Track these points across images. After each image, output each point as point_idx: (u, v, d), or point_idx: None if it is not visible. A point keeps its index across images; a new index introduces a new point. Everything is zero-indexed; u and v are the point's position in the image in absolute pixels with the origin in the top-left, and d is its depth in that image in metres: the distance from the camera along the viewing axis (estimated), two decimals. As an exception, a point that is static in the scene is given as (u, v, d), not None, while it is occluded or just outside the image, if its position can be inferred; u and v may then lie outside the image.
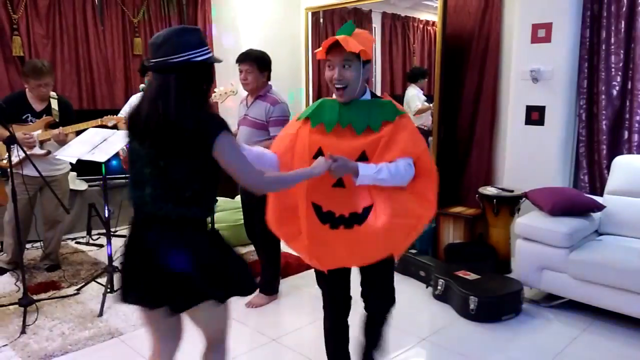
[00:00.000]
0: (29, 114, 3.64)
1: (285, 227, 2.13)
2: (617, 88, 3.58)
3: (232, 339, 2.97)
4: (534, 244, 3.26)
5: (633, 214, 3.30)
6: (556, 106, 3.69)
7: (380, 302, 2.26)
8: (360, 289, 2.24)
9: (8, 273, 3.82)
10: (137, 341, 2.90)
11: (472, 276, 3.37)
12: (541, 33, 3.66)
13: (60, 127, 3.55)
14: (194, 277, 1.68)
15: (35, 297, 3.26)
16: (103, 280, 3.49)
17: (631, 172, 3.36)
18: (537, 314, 3.23)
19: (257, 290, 3.44)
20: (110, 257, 3.46)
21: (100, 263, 4.08)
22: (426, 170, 2.03)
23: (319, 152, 1.97)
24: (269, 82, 3.28)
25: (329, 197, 1.97)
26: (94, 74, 5.08)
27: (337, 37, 1.89)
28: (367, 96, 2.04)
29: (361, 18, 5.67)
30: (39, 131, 3.60)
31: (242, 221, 4.45)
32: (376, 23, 5.67)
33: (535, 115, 3.78)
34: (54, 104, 3.70)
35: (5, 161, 3.59)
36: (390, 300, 2.28)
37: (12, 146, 3.03)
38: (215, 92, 3.74)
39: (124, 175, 4.63)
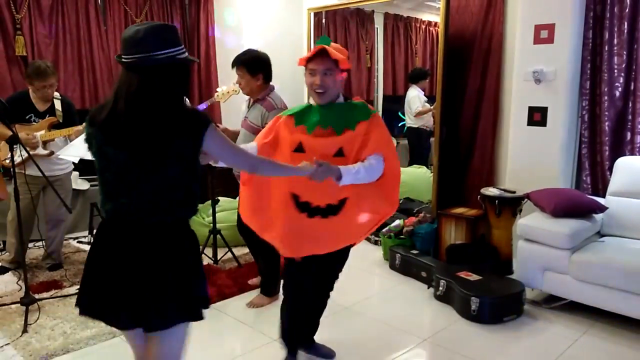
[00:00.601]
0: (32, 114, 3.65)
1: (258, 217, 2.35)
2: (620, 89, 3.57)
3: (233, 339, 2.98)
4: (536, 245, 3.26)
5: (635, 216, 3.29)
6: (559, 107, 3.68)
7: (326, 290, 2.53)
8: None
9: (10, 272, 3.83)
10: (139, 341, 2.90)
11: (473, 277, 3.36)
12: (544, 34, 3.66)
13: (85, 124, 3.55)
14: (186, 286, 1.66)
15: (37, 296, 3.27)
16: (105, 279, 3.49)
17: (634, 173, 3.35)
18: (538, 315, 3.22)
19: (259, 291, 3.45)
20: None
21: (102, 262, 4.08)
22: (392, 171, 2.28)
23: (299, 147, 2.20)
24: (270, 84, 3.23)
25: (307, 188, 2.16)
26: (96, 74, 5.09)
27: (324, 46, 2.16)
28: (341, 99, 2.30)
29: (363, 19, 5.67)
30: (42, 132, 3.60)
31: (244, 221, 4.46)
32: (378, 24, 5.67)
33: (537, 116, 3.78)
34: (58, 105, 3.71)
35: (8, 161, 3.60)
36: (330, 288, 2.54)
37: (14, 146, 3.03)
38: (217, 91, 3.74)
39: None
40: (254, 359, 2.79)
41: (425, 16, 5.73)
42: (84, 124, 3.58)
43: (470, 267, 3.50)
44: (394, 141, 2.43)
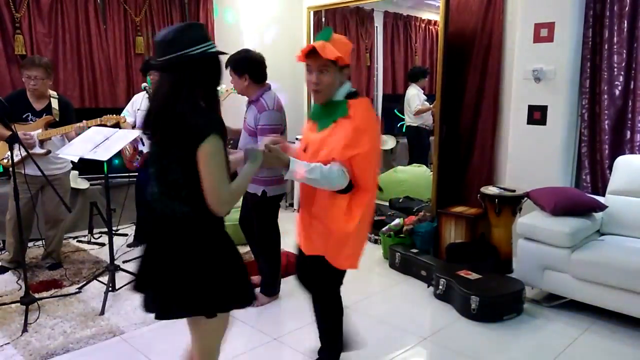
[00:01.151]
0: (29, 113, 3.65)
1: None
2: (620, 88, 3.57)
3: (233, 338, 2.98)
4: (536, 243, 3.26)
5: (635, 214, 3.29)
6: (558, 106, 3.68)
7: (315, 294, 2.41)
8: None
9: (10, 271, 3.83)
10: (139, 340, 2.90)
11: (473, 276, 3.37)
12: (544, 32, 3.65)
13: (84, 121, 3.55)
14: (191, 281, 1.67)
15: (37, 295, 3.27)
16: (105, 278, 3.50)
17: (633, 172, 3.35)
18: (538, 313, 3.23)
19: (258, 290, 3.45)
20: (112, 256, 3.46)
21: (101, 262, 4.09)
22: (359, 183, 2.07)
23: (306, 147, 2.20)
24: (267, 83, 3.16)
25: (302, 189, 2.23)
26: (96, 73, 5.09)
27: (315, 43, 2.03)
28: (340, 97, 2.13)
29: (363, 17, 5.67)
30: (39, 130, 3.60)
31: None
32: (378, 22, 5.67)
33: (537, 115, 3.77)
34: (54, 103, 3.71)
35: (5, 160, 3.60)
36: (325, 298, 2.39)
37: (14, 145, 3.03)
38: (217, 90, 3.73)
39: (125, 174, 4.64)
40: (255, 358, 2.79)
41: (425, 15, 5.73)
42: (85, 121, 3.63)
43: (470, 266, 3.50)
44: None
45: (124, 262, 4.00)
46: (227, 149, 1.76)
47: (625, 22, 3.49)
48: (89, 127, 3.54)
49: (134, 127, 4.27)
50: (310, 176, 2.00)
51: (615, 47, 3.54)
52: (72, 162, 3.85)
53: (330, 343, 2.44)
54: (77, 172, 4.76)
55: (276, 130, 3.03)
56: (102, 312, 3.18)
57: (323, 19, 5.61)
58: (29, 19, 4.63)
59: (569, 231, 3.11)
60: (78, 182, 4.79)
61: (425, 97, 5.36)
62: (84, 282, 3.61)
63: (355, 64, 5.64)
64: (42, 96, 3.67)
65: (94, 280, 3.60)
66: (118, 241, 4.46)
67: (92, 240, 4.64)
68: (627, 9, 3.47)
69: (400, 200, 4.89)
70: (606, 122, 3.61)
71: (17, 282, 3.64)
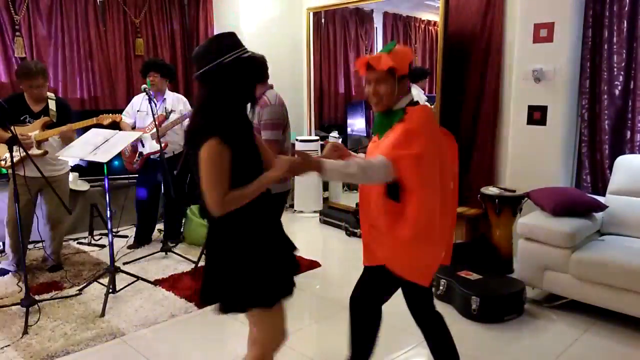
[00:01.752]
0: (27, 115, 3.66)
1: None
2: (620, 88, 3.57)
3: (234, 339, 2.98)
4: (536, 244, 3.26)
5: (635, 214, 3.29)
6: (558, 106, 3.68)
7: (358, 307, 2.29)
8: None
9: (10, 273, 3.83)
10: (139, 341, 2.90)
11: (474, 276, 3.36)
12: (543, 33, 3.66)
13: (69, 124, 3.57)
14: (233, 279, 1.77)
15: (37, 297, 3.27)
16: (105, 280, 3.49)
17: (633, 171, 3.35)
18: (539, 314, 3.22)
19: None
20: (112, 258, 3.46)
21: (102, 263, 4.09)
22: (410, 184, 1.94)
23: None
24: (266, 83, 3.18)
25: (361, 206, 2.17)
26: (95, 75, 5.09)
27: (370, 56, 2.04)
28: (400, 105, 2.07)
29: (363, 18, 5.67)
30: (36, 132, 3.61)
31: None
32: (378, 23, 5.67)
33: (537, 115, 3.77)
34: (52, 105, 3.72)
35: (4, 162, 3.61)
36: (365, 307, 2.28)
37: (13, 147, 3.04)
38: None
39: (126, 176, 4.64)
40: (255, 359, 2.78)
41: (425, 15, 5.72)
42: (86, 121, 3.63)
43: (470, 267, 3.50)
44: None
45: (124, 263, 4.00)
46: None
47: (625, 22, 3.49)
48: (74, 130, 3.60)
49: (133, 128, 4.27)
50: (347, 170, 1.92)
51: (614, 47, 3.54)
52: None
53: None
54: (77, 173, 4.76)
55: (278, 125, 3.07)
56: (103, 314, 3.18)
57: (323, 20, 5.61)
58: (28, 21, 4.64)
59: (570, 231, 3.11)
60: (78, 183, 4.79)
61: (425, 98, 5.36)
62: (85, 284, 3.61)
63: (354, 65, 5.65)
64: (40, 99, 3.68)
65: (95, 282, 3.60)
66: (118, 243, 4.46)
67: (93, 242, 4.64)
68: (626, 9, 3.47)
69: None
70: (606, 122, 3.61)
71: (17, 284, 3.64)
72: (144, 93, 4.10)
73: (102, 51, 5.09)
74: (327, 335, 2.98)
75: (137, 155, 4.27)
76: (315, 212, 5.55)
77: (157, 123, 3.95)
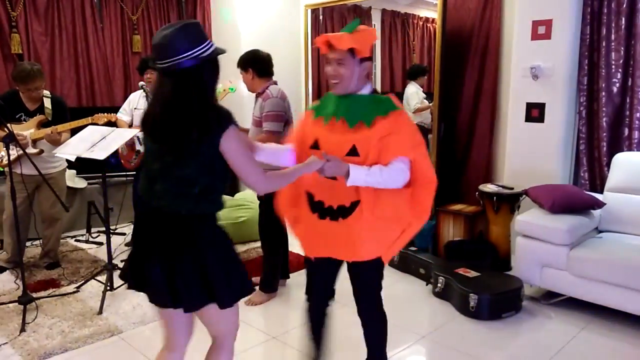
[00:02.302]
0: (22, 113, 3.64)
1: (292, 210, 2.22)
2: (618, 85, 3.57)
3: (232, 337, 2.97)
4: (534, 241, 3.26)
5: (633, 211, 3.30)
6: (556, 103, 3.68)
7: (364, 305, 2.23)
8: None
9: (8, 271, 3.82)
10: (137, 339, 2.90)
11: (472, 274, 3.37)
12: (541, 30, 3.65)
13: (53, 126, 3.55)
14: (201, 275, 1.70)
15: (34, 295, 3.26)
16: (102, 278, 3.49)
17: (631, 169, 3.35)
18: (537, 311, 3.23)
19: (257, 288, 3.44)
20: (109, 255, 3.45)
21: (99, 261, 4.08)
22: (424, 177, 2.03)
23: (315, 143, 2.04)
24: (270, 79, 3.31)
25: (321, 187, 2.05)
26: (92, 72, 5.08)
27: (330, 35, 1.98)
28: (366, 91, 2.05)
29: (361, 15, 5.66)
30: (32, 130, 3.59)
31: (243, 219, 4.47)
32: (376, 20, 5.66)
33: (535, 113, 3.77)
34: (47, 103, 3.70)
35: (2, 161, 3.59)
36: (374, 305, 2.23)
37: (9, 145, 3.02)
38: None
39: (123, 173, 4.63)
40: (253, 356, 2.78)
41: (423, 12, 5.72)
42: (80, 120, 3.61)
43: (468, 264, 3.50)
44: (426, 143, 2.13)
45: (122, 261, 3.99)
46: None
47: (623, 19, 3.48)
48: (59, 133, 3.57)
49: (130, 125, 4.26)
50: (371, 179, 1.91)
51: (613, 44, 3.54)
52: (67, 160, 3.84)
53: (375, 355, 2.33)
54: (74, 171, 4.75)
55: (280, 117, 3.16)
56: (100, 312, 3.17)
57: (321, 17, 5.59)
58: (25, 17, 4.62)
59: (567, 228, 3.11)
60: (75, 181, 4.78)
61: (424, 95, 5.36)
62: (82, 282, 3.60)
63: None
64: (37, 99, 3.67)
65: (92, 280, 3.59)
66: (116, 240, 4.45)
67: (90, 239, 4.63)
68: (624, 6, 3.46)
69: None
70: (604, 119, 3.61)
71: (14, 281, 3.63)
72: (141, 90, 4.09)
73: (99, 48, 5.07)
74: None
75: (134, 153, 4.25)
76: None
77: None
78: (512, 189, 3.71)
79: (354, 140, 1.97)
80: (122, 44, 5.21)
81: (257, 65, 3.26)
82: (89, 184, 4.89)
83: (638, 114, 3.48)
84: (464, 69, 4.32)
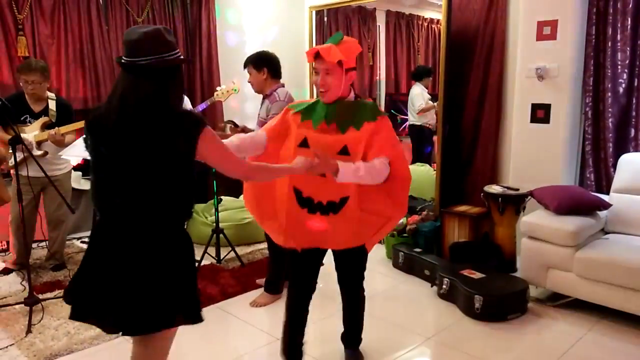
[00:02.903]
0: (27, 115, 3.66)
1: (261, 207, 2.36)
2: (624, 85, 3.55)
3: (237, 338, 2.98)
4: (540, 242, 3.24)
5: (640, 213, 3.28)
6: (562, 104, 3.66)
7: (352, 287, 2.51)
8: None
9: (14, 273, 3.84)
10: (142, 340, 2.90)
11: (477, 275, 3.36)
12: (546, 30, 3.64)
13: (56, 127, 3.56)
14: (160, 292, 1.65)
15: (40, 296, 3.27)
16: (108, 279, 3.50)
17: (638, 170, 3.33)
18: (542, 313, 3.21)
19: (263, 290, 3.45)
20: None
21: (105, 262, 4.09)
22: (400, 174, 2.25)
23: (304, 142, 2.19)
24: (279, 81, 3.34)
25: (310, 184, 2.18)
26: (99, 74, 5.09)
27: (320, 47, 2.14)
28: (351, 98, 2.25)
29: (365, 16, 5.66)
30: (36, 132, 3.61)
31: (247, 220, 4.48)
32: (380, 21, 5.66)
33: (540, 113, 3.76)
34: (52, 105, 3.72)
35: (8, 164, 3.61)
36: (360, 286, 2.53)
37: (16, 147, 3.04)
38: (217, 90, 3.75)
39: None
40: (257, 358, 2.79)
41: (427, 13, 5.71)
42: (57, 128, 3.62)
43: (473, 265, 3.49)
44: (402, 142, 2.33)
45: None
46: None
47: (629, 19, 3.47)
48: (63, 134, 3.56)
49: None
50: (359, 174, 2.08)
51: (618, 44, 3.53)
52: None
53: (359, 328, 2.66)
54: (80, 172, 4.77)
55: None
56: (106, 313, 3.18)
57: (325, 19, 5.60)
58: (31, 20, 4.64)
59: (573, 230, 3.10)
60: (81, 183, 4.80)
61: (429, 96, 5.35)
62: (88, 283, 3.61)
63: (357, 63, 5.64)
64: (40, 98, 3.69)
65: (98, 281, 3.60)
66: (121, 242, 4.46)
67: (96, 241, 4.64)
68: (630, 6, 3.45)
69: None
70: (610, 119, 3.60)
71: (21, 283, 3.65)
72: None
73: (104, 50, 5.09)
74: (332, 334, 2.97)
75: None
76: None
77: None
78: (517, 190, 3.70)
79: (345, 141, 2.15)
80: (127, 46, 5.23)
81: (272, 65, 3.30)
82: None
83: (644, 115, 3.46)
84: (469, 70, 4.31)
